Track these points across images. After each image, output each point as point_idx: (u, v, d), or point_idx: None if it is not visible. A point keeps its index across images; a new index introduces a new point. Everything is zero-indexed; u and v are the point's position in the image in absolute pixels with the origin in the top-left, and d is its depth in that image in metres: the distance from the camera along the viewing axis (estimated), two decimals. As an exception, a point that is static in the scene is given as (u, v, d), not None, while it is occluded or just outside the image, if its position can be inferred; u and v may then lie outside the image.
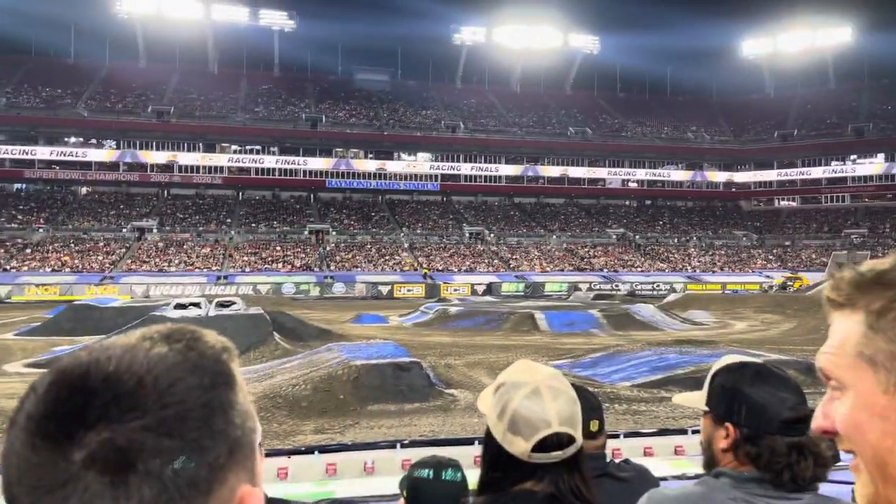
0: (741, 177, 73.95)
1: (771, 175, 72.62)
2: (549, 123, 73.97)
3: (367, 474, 6.67)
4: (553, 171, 70.63)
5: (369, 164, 66.78)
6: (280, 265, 51.78)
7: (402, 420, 11.73)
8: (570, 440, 1.30)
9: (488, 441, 1.36)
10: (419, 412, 12.29)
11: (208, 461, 0.55)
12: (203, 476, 0.55)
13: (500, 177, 69.59)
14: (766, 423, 1.36)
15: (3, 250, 49.35)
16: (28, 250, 49.87)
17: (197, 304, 22.69)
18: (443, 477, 2.08)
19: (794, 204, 72.05)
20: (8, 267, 46.80)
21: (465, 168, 68.55)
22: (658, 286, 50.61)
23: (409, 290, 47.41)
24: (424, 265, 53.69)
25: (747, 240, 65.58)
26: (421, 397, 13.01)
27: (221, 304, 22.96)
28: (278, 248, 54.79)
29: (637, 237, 63.78)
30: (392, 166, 67.33)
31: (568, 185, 70.77)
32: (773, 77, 79.62)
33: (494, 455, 1.34)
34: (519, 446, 1.29)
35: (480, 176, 69.09)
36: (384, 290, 47.35)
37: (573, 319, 26.14)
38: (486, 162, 69.23)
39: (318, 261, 53.51)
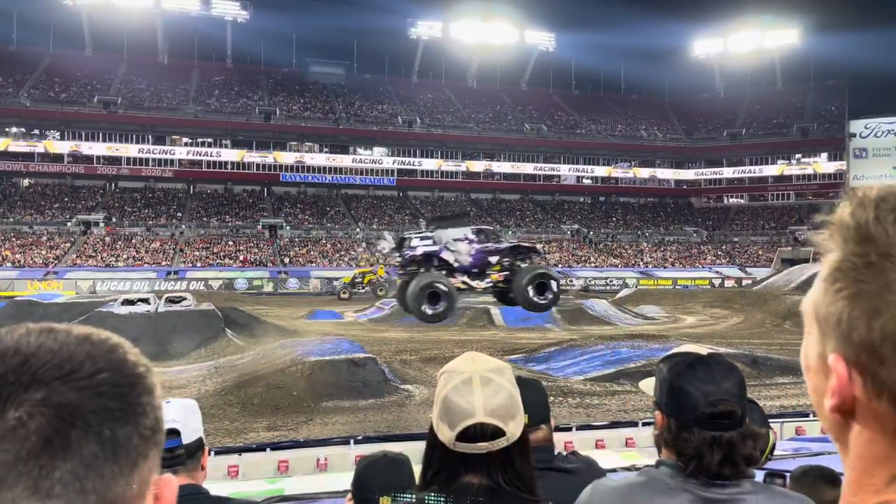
0: (692, 174, 75.68)
1: (720, 173, 74.53)
2: (506, 120, 74.41)
3: (320, 471, 6.60)
4: (508, 167, 71.09)
5: (324, 159, 66.08)
6: (232, 260, 50.88)
7: (356, 416, 11.67)
8: (497, 432, 1.27)
9: (430, 429, 1.36)
10: (374, 408, 12.24)
11: (140, 431, 0.55)
12: (135, 444, 0.54)
13: (456, 172, 69.70)
14: (685, 414, 1.37)
15: (-62, 244, 47.27)
16: (-34, 244, 47.88)
17: (146, 300, 22.10)
18: (389, 466, 2.08)
19: (742, 201, 74.09)
20: (-56, 262, 44.88)
21: (423, 163, 68.45)
22: (611, 281, 51.47)
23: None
24: (381, 261, 53.39)
25: (697, 236, 67.20)
26: (376, 393, 12.96)
27: (171, 300, 22.40)
28: (231, 242, 53.84)
29: (591, 233, 64.71)
30: (347, 161, 66.78)
31: (523, 182, 71.32)
32: (724, 77, 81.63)
33: (430, 444, 1.33)
34: (445, 434, 1.28)
35: (437, 171, 69.09)
36: (339, 285, 46.88)
37: (528, 314, 26.38)
38: (443, 158, 69.24)
39: (271, 256, 52.76)
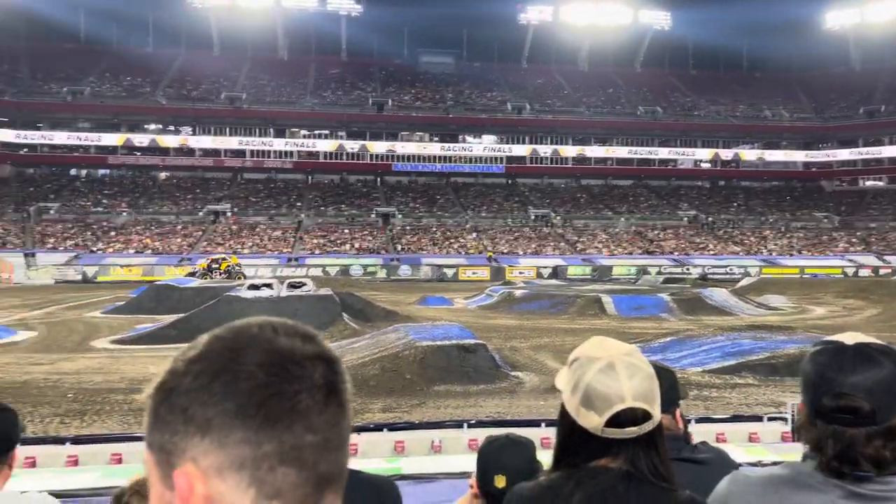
0: (822, 156, 70.49)
1: (855, 154, 68.94)
2: (618, 103, 72.31)
3: (435, 452, 6.77)
4: (622, 151, 69.13)
5: (434, 147, 66.96)
6: (348, 247, 52.73)
7: (467, 401, 11.82)
8: (646, 416, 1.28)
9: (562, 416, 1.36)
10: (485, 394, 12.35)
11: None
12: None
13: (566, 158, 68.63)
14: (811, 405, 1.30)
15: (90, 233, 52.06)
16: (113, 233, 52.45)
17: (269, 285, 23.38)
18: (509, 447, 2.14)
19: (880, 184, 68.24)
20: (95, 249, 49.35)
21: (535, 150, 67.84)
22: (731, 270, 49.01)
23: (473, 273, 47.48)
24: (489, 248, 53.63)
25: (828, 222, 62.63)
26: (486, 379, 13.06)
27: (293, 286, 23.58)
28: (346, 230, 55.77)
29: (710, 219, 61.83)
30: (457, 149, 67.34)
31: (637, 167, 69.16)
32: (859, 49, 75.19)
33: (568, 430, 1.34)
34: (592, 421, 1.28)
35: (547, 158, 68.30)
36: (449, 272, 47.58)
37: (642, 303, 25.65)
38: (552, 143, 68.35)
39: (384, 243, 54.22)
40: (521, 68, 77.02)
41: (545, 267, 48.97)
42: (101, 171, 63.78)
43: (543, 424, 6.93)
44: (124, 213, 55.91)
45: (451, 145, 67.36)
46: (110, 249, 49.71)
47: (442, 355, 13.27)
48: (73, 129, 63.17)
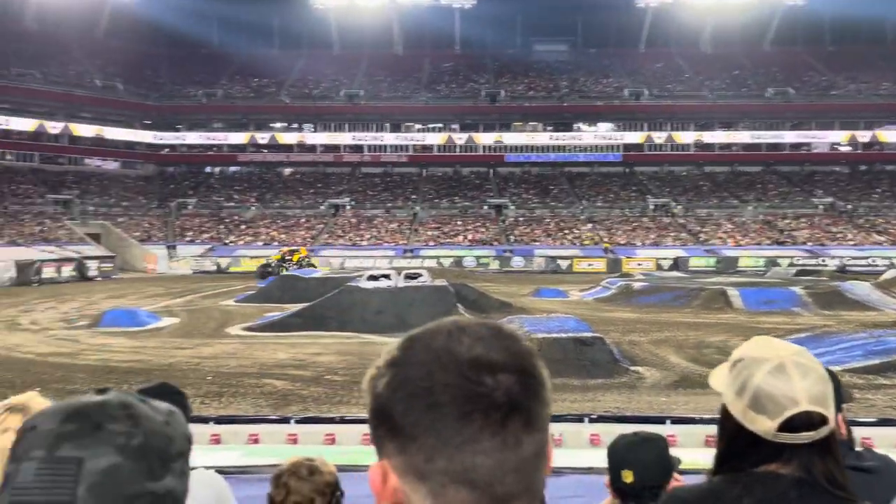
0: (984, 135, 63.33)
1: None
2: (745, 85, 68.30)
3: (557, 446, 6.71)
4: (744, 136, 65.34)
5: (548, 137, 66.19)
6: (461, 239, 53.25)
7: (585, 395, 11.65)
8: (823, 420, 1.20)
9: (725, 419, 1.30)
10: (603, 388, 12.12)
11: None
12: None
13: (688, 144, 65.74)
14: None
15: (222, 226, 55.71)
16: (243, 226, 55.84)
17: (387, 276, 24.03)
18: (638, 443, 2.14)
19: None
20: (227, 241, 52.74)
21: (652, 137, 65.51)
22: (874, 261, 45.17)
23: (589, 265, 46.58)
24: (605, 239, 52.41)
25: None
26: (605, 373, 12.82)
27: (409, 276, 24.11)
28: (459, 222, 56.32)
29: (849, 206, 57.24)
30: (571, 138, 66.22)
31: (766, 152, 65.11)
32: None
33: (733, 434, 1.27)
34: (763, 425, 1.22)
35: (666, 145, 65.75)
36: (563, 264, 46.94)
37: (772, 297, 24.19)
38: (673, 129, 65.69)
39: (497, 235, 54.29)
40: (639, 53, 74.42)
41: (665, 258, 47.24)
42: (233, 169, 67.99)
43: (669, 422, 6.70)
44: (253, 208, 59.34)
45: (565, 134, 66.32)
46: (241, 242, 52.93)
47: (558, 348, 13.14)
48: (208, 130, 67.77)
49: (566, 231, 54.61)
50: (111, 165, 65.04)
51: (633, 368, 13.59)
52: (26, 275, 36.58)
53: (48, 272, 38.03)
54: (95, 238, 50.12)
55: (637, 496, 2.10)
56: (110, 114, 64.66)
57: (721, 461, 1.31)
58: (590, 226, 55.21)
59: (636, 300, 25.97)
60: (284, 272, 36.98)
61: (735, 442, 1.28)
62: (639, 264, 46.14)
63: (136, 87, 66.88)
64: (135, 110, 66.01)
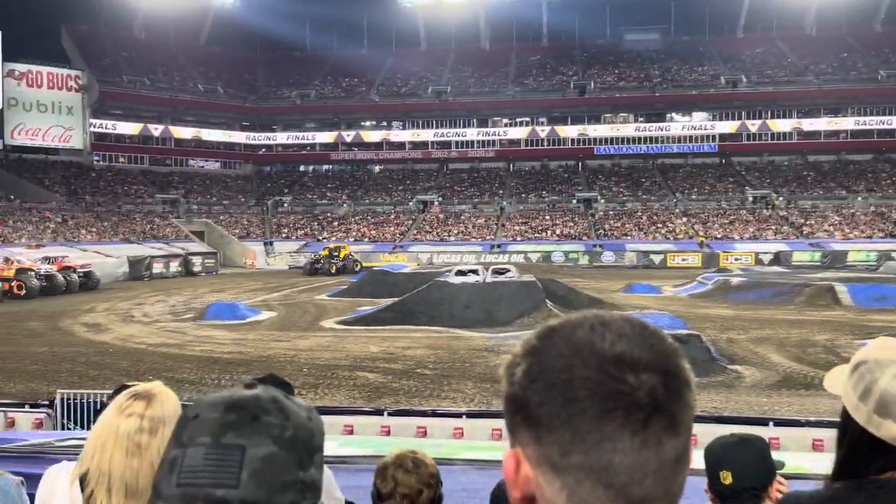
0: None
1: None
2: (854, 68, 64.02)
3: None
4: (851, 122, 61.26)
5: (639, 128, 64.45)
6: (549, 234, 52.71)
7: (680, 394, 11.29)
8: None
9: (847, 424, 1.24)
10: (700, 387, 11.71)
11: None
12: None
13: (790, 133, 62.37)
14: None
15: (316, 223, 57.54)
16: (335, 223, 57.48)
17: (475, 271, 24.12)
18: (736, 445, 2.09)
19: None
20: (321, 237, 54.43)
21: (748, 126, 62.57)
22: None
23: (683, 260, 45.07)
24: (701, 233, 50.55)
25: None
26: (701, 372, 12.38)
27: (497, 272, 24.10)
28: (547, 217, 55.76)
29: (974, 196, 52.69)
30: (663, 128, 64.19)
31: (878, 139, 60.84)
32: None
33: (855, 439, 1.22)
34: (890, 430, 1.16)
35: (766, 134, 62.63)
36: (656, 258, 45.64)
37: (885, 293, 22.64)
38: (773, 117, 62.49)
39: (586, 229, 53.40)
40: (736, 39, 71.16)
41: (765, 252, 45.05)
42: (325, 167, 70.07)
43: (772, 423, 6.42)
44: (344, 205, 60.94)
45: (657, 125, 64.36)
46: (333, 238, 54.47)
47: (651, 345, 12.79)
48: (301, 130, 70.13)
49: (659, 225, 53.04)
50: (213, 166, 68.45)
51: (731, 367, 13.08)
52: (138, 270, 39.07)
53: (157, 268, 40.45)
54: (199, 235, 52.95)
55: (737, 498, 2.05)
56: (212, 117, 68.05)
57: (842, 467, 1.26)
58: (684, 219, 53.40)
59: (734, 296, 24.93)
60: (334, 269, 39.50)
61: (857, 447, 1.22)
62: (737, 259, 44.22)
63: (235, 91, 70.08)
64: (234, 113, 69.18)
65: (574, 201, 58.57)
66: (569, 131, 65.28)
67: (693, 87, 64.86)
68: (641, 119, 64.98)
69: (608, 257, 46.75)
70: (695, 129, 64.19)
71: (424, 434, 6.97)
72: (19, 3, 70.89)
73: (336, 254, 41.32)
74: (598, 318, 0.67)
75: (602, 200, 58.19)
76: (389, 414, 7.59)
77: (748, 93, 62.88)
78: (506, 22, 73.28)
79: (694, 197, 57.95)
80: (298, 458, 0.69)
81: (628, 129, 64.73)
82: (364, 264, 41.35)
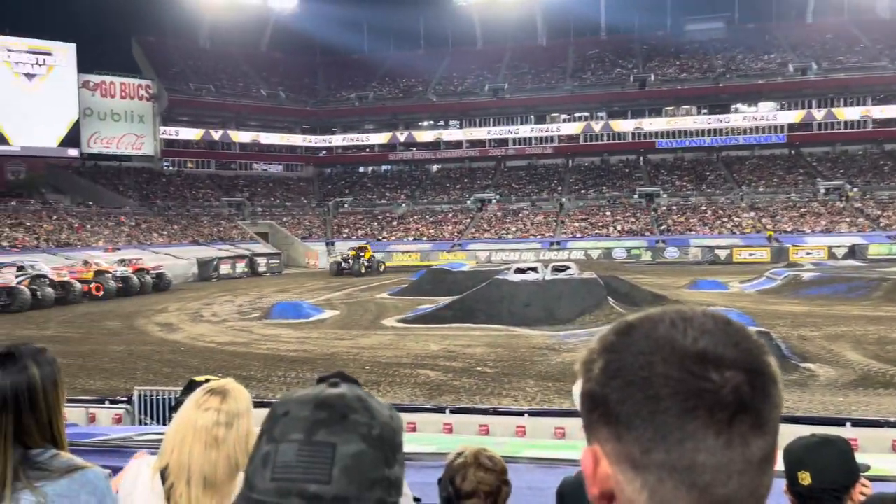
0: None
1: None
2: (934, 50, 60.66)
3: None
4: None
5: (703, 120, 62.75)
6: (610, 230, 51.89)
7: (749, 393, 10.96)
8: None
9: None
10: (770, 386, 11.35)
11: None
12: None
13: (864, 121, 59.58)
14: None
15: (376, 223, 58.26)
16: (395, 223, 58.06)
17: (535, 269, 23.96)
18: (814, 445, 2.04)
19: None
20: (380, 237, 55.08)
21: (818, 114, 60.07)
22: None
23: (750, 255, 43.67)
24: (769, 227, 48.85)
25: None
26: (771, 370, 11.98)
27: (557, 269, 23.89)
28: (608, 213, 54.90)
29: None
30: (728, 120, 62.28)
31: (962, 125, 57.49)
32: None
33: None
34: None
35: (838, 122, 59.99)
36: (722, 254, 44.37)
37: (972, 288, 21.41)
38: (845, 105, 59.83)
39: (648, 225, 52.34)
40: (805, 24, 68.42)
41: (839, 246, 43.20)
42: (384, 167, 70.85)
43: (849, 424, 6.16)
44: (403, 205, 61.49)
45: (722, 116, 62.49)
46: (393, 237, 55.06)
47: (719, 343, 12.45)
48: (360, 132, 71.13)
49: (724, 219, 51.52)
50: (276, 169, 70.14)
51: (803, 365, 12.61)
52: (206, 271, 40.41)
53: (224, 269, 41.73)
54: (264, 236, 54.36)
55: (816, 499, 1.99)
56: (274, 121, 69.75)
57: None
58: (751, 213, 51.71)
59: (806, 292, 24.01)
60: (363, 269, 39.76)
61: None
62: (808, 253, 42.56)
63: (296, 95, 71.63)
64: (295, 116, 70.73)
65: (635, 196, 57.48)
66: (629, 125, 64.15)
67: (759, 76, 62.70)
68: (705, 111, 63.25)
69: (671, 253, 45.72)
70: (762, 119, 62.07)
71: (487, 432, 6.98)
72: (92, 17, 74.23)
73: (362, 254, 41.13)
74: (678, 313, 0.65)
75: (664, 195, 56.91)
76: (451, 411, 7.64)
77: (819, 80, 60.39)
78: (562, 17, 72.53)
79: (761, 190, 56.05)
80: (384, 455, 0.70)
81: (691, 121, 63.11)
82: (421, 264, 41.63)
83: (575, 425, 7.01)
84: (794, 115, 61.03)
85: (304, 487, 0.66)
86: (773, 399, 0.62)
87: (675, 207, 54.78)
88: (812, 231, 47.69)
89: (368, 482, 0.68)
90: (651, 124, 63.58)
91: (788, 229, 48.33)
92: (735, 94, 62.30)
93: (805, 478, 1.99)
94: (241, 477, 2.04)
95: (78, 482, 1.47)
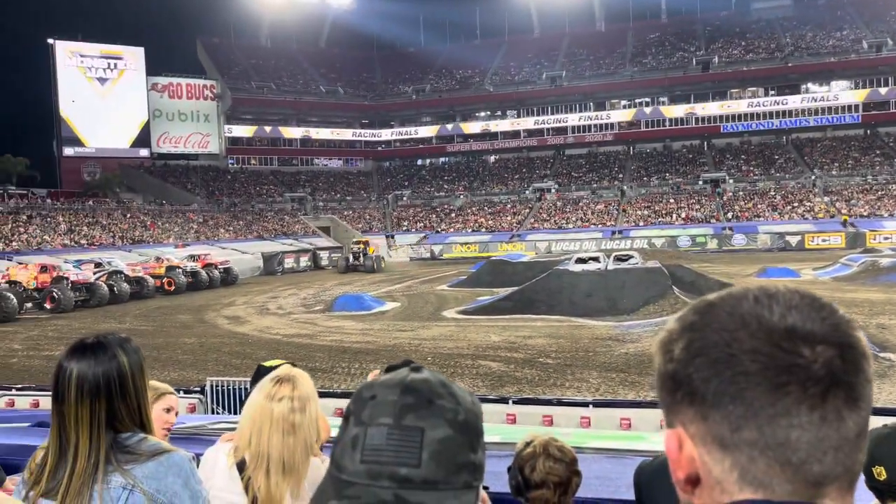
0: None
1: None
2: None
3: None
4: None
5: (771, 102, 60.45)
6: (674, 218, 50.65)
7: (825, 384, 10.54)
8: None
9: None
10: (846, 377, 10.88)
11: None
12: None
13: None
14: None
15: (434, 215, 58.50)
16: (453, 214, 58.18)
17: (596, 259, 23.61)
18: (889, 435, 1.92)
19: None
20: (439, 229, 55.31)
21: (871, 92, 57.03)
22: None
23: (823, 241, 41.91)
24: (843, 211, 46.76)
25: None
26: (848, 360, 11.49)
27: (619, 259, 23.48)
28: (671, 200, 53.59)
29: None
30: (798, 101, 59.82)
31: None
32: None
33: None
34: None
35: (919, 99, 56.83)
36: (792, 240, 42.73)
37: None
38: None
39: (714, 211, 50.84)
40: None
41: (920, 230, 41.02)
42: (441, 160, 71.05)
43: (933, 417, 5.84)
44: (461, 196, 61.53)
45: (791, 97, 60.06)
46: (451, 229, 55.19)
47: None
48: (418, 124, 71.50)
49: (795, 204, 49.58)
50: (336, 164, 71.28)
51: (882, 355, 12.05)
52: (271, 265, 41.45)
53: (288, 263, 42.72)
54: (325, 231, 55.37)
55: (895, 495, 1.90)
56: (333, 116, 70.85)
57: None
58: (825, 198, 49.59)
59: (884, 278, 22.88)
60: (375, 266, 38.20)
61: None
62: (886, 238, 40.55)
63: (354, 90, 72.54)
64: (353, 111, 71.65)
65: (700, 183, 55.92)
66: (692, 110, 62.37)
67: (831, 53, 59.97)
68: (773, 92, 60.93)
69: (739, 240, 44.31)
70: (834, 99, 59.35)
71: (550, 423, 6.94)
72: (158, 22, 76.80)
73: (365, 250, 39.74)
74: (762, 289, 0.63)
75: (731, 180, 55.15)
76: (514, 402, 7.62)
77: (895, 56, 57.31)
78: (621, 1, 71.01)
79: (835, 173, 53.67)
80: (470, 440, 0.70)
81: (758, 103, 60.87)
82: (480, 255, 41.48)
83: (641, 416, 6.89)
84: (869, 94, 58.12)
85: (395, 470, 0.67)
86: (866, 373, 0.61)
87: (741, 193, 53.04)
88: (891, 215, 45.39)
89: (456, 466, 0.69)
90: (715, 108, 61.67)
91: (865, 213, 46.16)
92: (805, 73, 59.77)
93: (881, 472, 1.89)
94: (313, 459, 2.12)
95: (164, 465, 1.53)
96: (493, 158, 68.95)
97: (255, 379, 2.52)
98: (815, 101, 59.67)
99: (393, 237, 54.14)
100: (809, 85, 60.43)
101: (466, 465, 0.70)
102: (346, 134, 71.50)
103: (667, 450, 0.64)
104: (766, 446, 0.58)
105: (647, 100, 64.32)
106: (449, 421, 0.70)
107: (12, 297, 23.07)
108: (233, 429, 2.28)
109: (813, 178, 52.89)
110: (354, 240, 43.24)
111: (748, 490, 0.59)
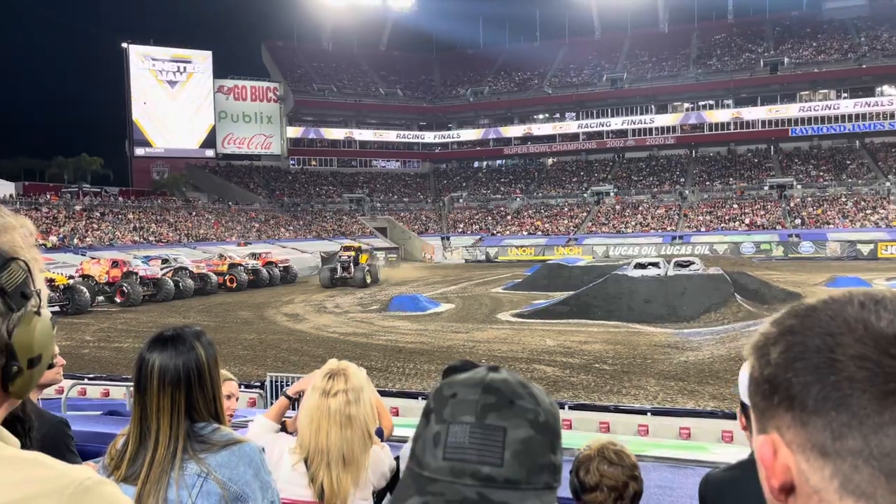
0: None
1: None
2: None
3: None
4: None
5: (843, 105, 58.07)
6: (737, 224, 49.20)
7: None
8: None
9: None
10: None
11: None
12: None
13: None
14: None
15: (490, 218, 58.41)
16: (508, 217, 57.96)
17: (656, 264, 23.12)
18: None
19: None
20: (494, 231, 55.19)
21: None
22: None
23: (898, 250, 40.03)
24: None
25: None
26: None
27: (679, 265, 22.94)
28: (735, 205, 52.08)
29: None
30: (873, 104, 57.27)
31: None
32: None
33: None
34: None
35: None
36: (864, 249, 40.91)
37: None
38: None
39: (780, 218, 49.15)
40: (965, -6, 61.70)
41: None
42: (498, 162, 70.92)
43: None
44: (518, 199, 61.24)
45: (866, 100, 57.56)
46: (507, 232, 54.99)
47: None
48: (475, 126, 71.56)
49: (868, 211, 47.49)
50: (393, 165, 71.99)
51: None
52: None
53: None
54: (382, 231, 55.97)
55: None
56: (392, 118, 71.60)
57: None
58: (899, 204, 47.33)
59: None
60: (368, 279, 31.47)
61: None
62: (968, 249, 38.45)
63: (413, 92, 73.13)
64: (412, 113, 72.22)
65: (766, 188, 54.16)
66: (759, 113, 60.53)
67: (909, 54, 57.26)
68: (845, 95, 58.55)
69: (806, 248, 42.72)
70: (851, 106, 56.63)
71: (607, 429, 6.84)
72: (225, 26, 79.07)
73: (357, 260, 32.60)
74: (867, 294, 0.61)
75: (798, 186, 53.23)
76: (570, 408, 7.53)
77: (982, 56, 54.31)
78: (686, 1, 69.49)
79: (912, 179, 51.21)
80: (550, 441, 0.70)
81: (830, 106, 58.58)
82: (536, 258, 41.10)
83: (700, 426, 6.71)
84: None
85: (478, 469, 0.66)
86: None
87: (809, 199, 51.13)
88: (973, 224, 43.03)
89: (537, 467, 0.69)
90: (784, 111, 59.67)
91: (944, 222, 43.89)
92: (880, 75, 57.21)
93: None
94: (373, 449, 2.16)
95: (237, 454, 1.58)
96: (550, 161, 68.41)
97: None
98: (892, 104, 57.05)
99: (448, 239, 54.30)
100: (885, 87, 57.81)
101: (547, 466, 0.70)
102: (405, 136, 72.13)
103: (760, 456, 0.62)
104: (871, 456, 0.56)
105: (712, 102, 62.71)
106: (530, 421, 0.70)
107: (85, 290, 24.13)
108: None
109: (888, 184, 50.55)
110: (344, 245, 36.34)
111: (849, 500, 0.56)
